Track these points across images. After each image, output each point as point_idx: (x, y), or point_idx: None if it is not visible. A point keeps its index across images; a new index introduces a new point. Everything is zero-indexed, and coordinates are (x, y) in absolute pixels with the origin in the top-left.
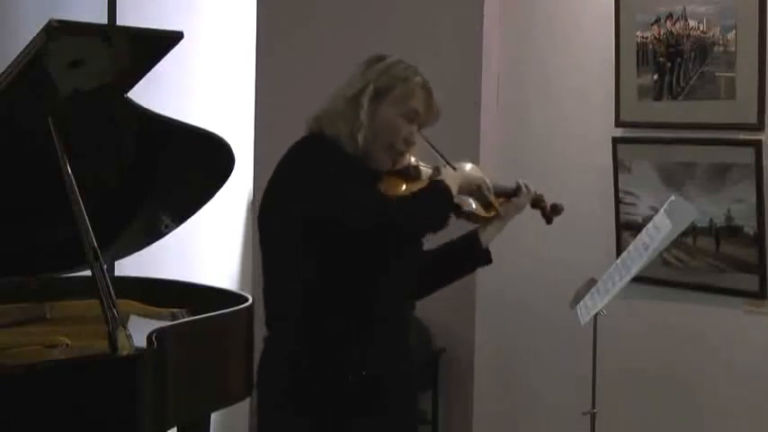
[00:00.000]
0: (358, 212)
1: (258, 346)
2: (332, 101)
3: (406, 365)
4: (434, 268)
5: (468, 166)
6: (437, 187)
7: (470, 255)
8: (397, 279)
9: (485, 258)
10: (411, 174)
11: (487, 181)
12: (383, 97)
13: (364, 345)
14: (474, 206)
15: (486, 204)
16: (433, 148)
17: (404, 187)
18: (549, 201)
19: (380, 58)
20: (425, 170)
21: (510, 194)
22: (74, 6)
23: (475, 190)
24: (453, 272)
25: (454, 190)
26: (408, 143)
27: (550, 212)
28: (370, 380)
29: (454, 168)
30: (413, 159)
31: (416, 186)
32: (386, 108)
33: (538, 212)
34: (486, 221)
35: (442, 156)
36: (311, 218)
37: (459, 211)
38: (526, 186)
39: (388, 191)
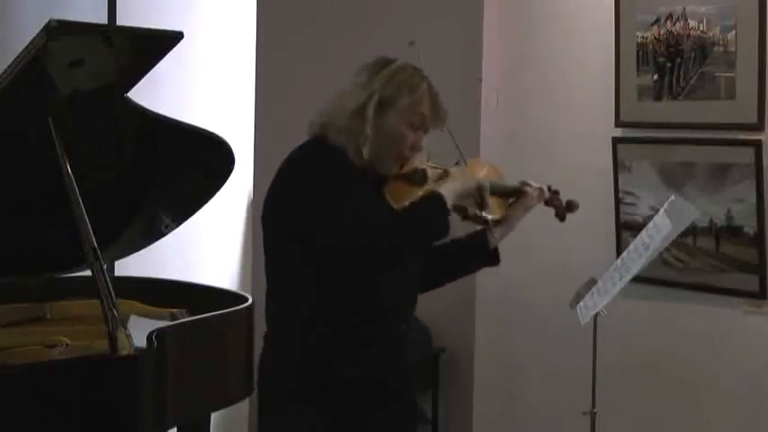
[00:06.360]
0: (341, 234)
1: (258, 344)
2: (336, 111)
3: (406, 361)
4: (440, 264)
5: (482, 168)
6: (433, 201)
7: (478, 254)
8: (398, 284)
9: (492, 259)
10: (418, 178)
11: (487, 184)
12: (388, 108)
13: (365, 345)
14: (478, 211)
15: (494, 206)
16: (456, 144)
17: (409, 192)
18: (564, 197)
19: (385, 64)
20: (434, 172)
21: (518, 195)
22: (74, 6)
23: (476, 196)
24: (459, 270)
25: (450, 200)
26: (415, 149)
27: (565, 209)
28: (372, 376)
29: (465, 163)
30: (418, 162)
31: (421, 192)
32: (391, 118)
33: (549, 210)
34: (493, 223)
35: (459, 152)
36: (304, 233)
37: (464, 214)
38: (532, 186)
39: (393, 196)
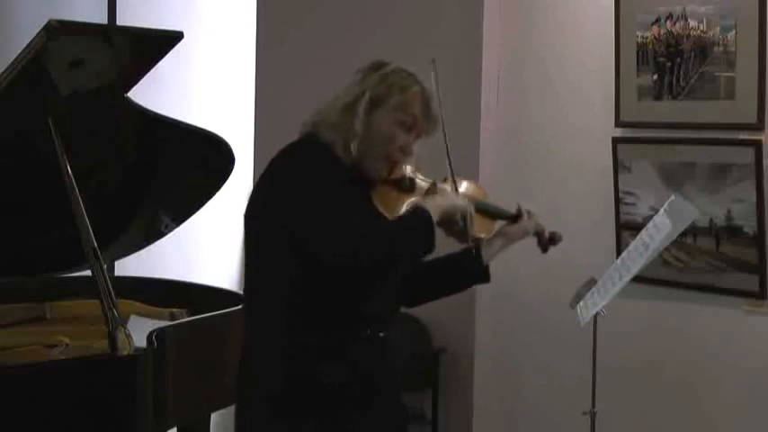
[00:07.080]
0: (337, 251)
1: None
2: (328, 109)
3: (388, 366)
4: (430, 280)
5: (464, 187)
6: (419, 216)
7: (469, 270)
8: (379, 294)
9: (483, 276)
10: (405, 185)
11: (471, 211)
12: (379, 106)
13: (345, 352)
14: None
15: (479, 226)
16: (448, 158)
17: (396, 198)
18: (548, 227)
19: (379, 66)
20: (421, 184)
21: (512, 218)
22: (74, 6)
23: (457, 220)
24: (449, 286)
25: (435, 217)
26: (405, 152)
27: (548, 241)
28: (353, 382)
29: (456, 187)
30: (409, 170)
31: (408, 199)
32: (381, 117)
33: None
34: (474, 243)
35: (451, 167)
36: (294, 239)
37: (448, 230)
38: (528, 212)
39: (381, 200)
